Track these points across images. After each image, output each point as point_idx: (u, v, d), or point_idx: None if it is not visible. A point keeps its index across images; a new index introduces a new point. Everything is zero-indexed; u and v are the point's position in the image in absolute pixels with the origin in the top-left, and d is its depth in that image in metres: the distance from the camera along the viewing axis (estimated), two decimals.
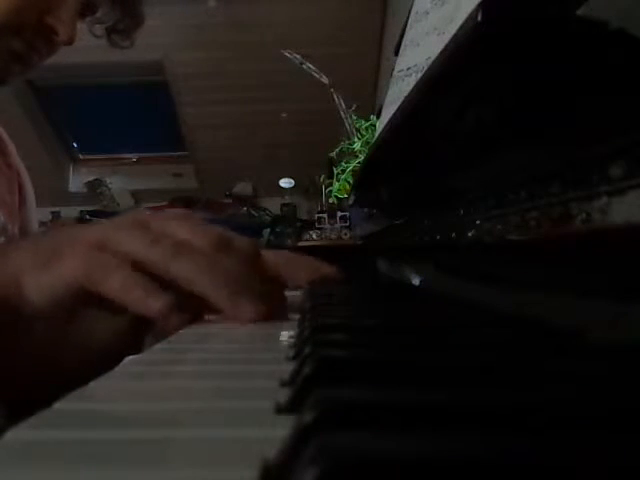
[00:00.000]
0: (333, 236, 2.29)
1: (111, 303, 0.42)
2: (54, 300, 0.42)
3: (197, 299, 0.41)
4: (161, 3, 2.58)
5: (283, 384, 0.21)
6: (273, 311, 0.42)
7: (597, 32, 0.24)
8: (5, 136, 0.83)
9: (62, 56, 0.70)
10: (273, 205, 3.60)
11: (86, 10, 0.68)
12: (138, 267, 0.41)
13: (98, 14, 0.70)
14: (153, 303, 0.40)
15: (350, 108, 2.20)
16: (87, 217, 3.48)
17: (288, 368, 0.23)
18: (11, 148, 0.82)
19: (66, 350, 0.47)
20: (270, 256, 0.56)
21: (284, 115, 3.18)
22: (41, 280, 0.42)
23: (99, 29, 0.73)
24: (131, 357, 0.28)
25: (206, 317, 0.45)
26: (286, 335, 0.34)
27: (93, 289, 0.40)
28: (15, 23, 0.63)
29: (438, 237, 0.52)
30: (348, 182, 2.09)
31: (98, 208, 3.65)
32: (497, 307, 0.38)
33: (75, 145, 3.83)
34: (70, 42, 0.66)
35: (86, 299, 0.42)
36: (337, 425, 0.14)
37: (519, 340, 0.28)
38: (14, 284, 0.42)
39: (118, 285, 0.40)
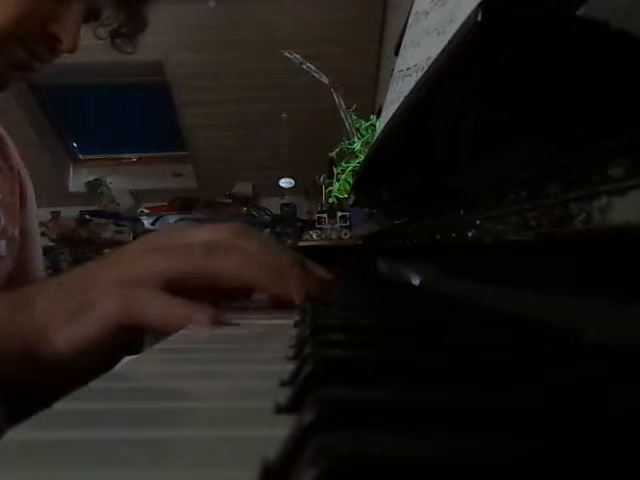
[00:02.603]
0: (333, 236, 2.29)
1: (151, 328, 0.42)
2: (87, 347, 0.43)
3: (229, 292, 0.43)
4: (161, 3, 2.58)
5: (283, 384, 0.21)
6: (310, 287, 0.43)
7: (597, 32, 0.24)
8: (6, 137, 0.82)
9: (62, 56, 0.69)
10: (273, 205, 3.60)
11: (90, 16, 0.68)
12: (173, 285, 0.42)
13: (102, 17, 0.70)
14: (202, 319, 0.40)
15: (350, 108, 2.20)
16: (87, 217, 3.48)
17: (288, 368, 0.23)
18: (12, 149, 0.82)
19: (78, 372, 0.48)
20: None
21: (284, 115, 3.18)
22: (74, 332, 0.43)
23: (102, 32, 0.73)
24: (131, 357, 0.28)
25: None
26: (286, 335, 0.34)
27: (135, 323, 0.41)
28: (18, 31, 0.63)
29: (438, 237, 0.52)
30: (348, 182, 2.09)
31: (98, 208, 3.64)
32: (497, 307, 0.38)
33: (75, 145, 3.83)
34: (73, 50, 0.66)
35: (121, 334, 0.43)
36: (337, 425, 0.14)
37: (519, 340, 0.28)
38: (42, 337, 0.43)
39: (159, 313, 0.41)
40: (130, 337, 0.45)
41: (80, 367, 0.43)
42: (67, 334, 0.43)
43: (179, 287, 0.42)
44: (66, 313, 0.43)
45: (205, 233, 0.44)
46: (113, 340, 0.43)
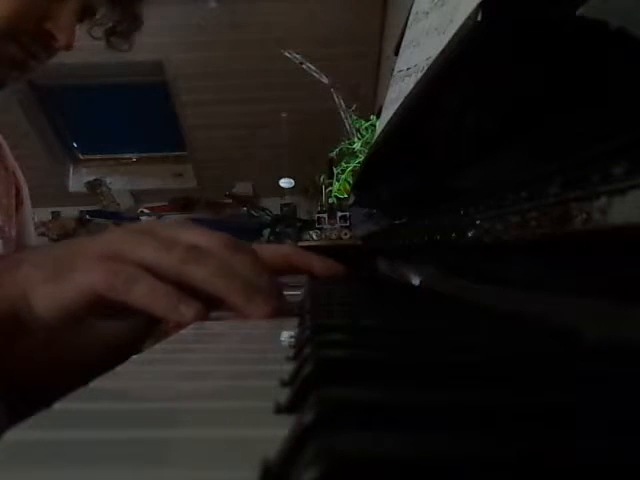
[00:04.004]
0: (333, 236, 2.29)
1: (123, 310, 0.42)
2: (62, 312, 0.43)
3: (207, 300, 0.42)
4: (161, 3, 2.58)
5: (283, 384, 0.21)
6: (281, 307, 0.43)
7: (597, 32, 0.24)
8: (1, 140, 0.82)
9: (62, 56, 0.69)
10: (273, 205, 3.60)
11: (85, 14, 0.68)
12: (153, 274, 0.42)
13: (97, 16, 0.70)
14: (186, 311, 0.41)
15: (350, 108, 2.20)
16: (87, 217, 3.48)
17: (288, 368, 0.23)
18: (7, 150, 0.82)
19: (66, 353, 0.47)
20: (271, 251, 0.57)
21: (284, 115, 3.18)
22: (51, 293, 0.43)
23: (98, 31, 0.73)
24: (131, 357, 0.28)
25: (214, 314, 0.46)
26: (286, 335, 0.34)
27: (116, 298, 0.41)
28: (14, 29, 0.63)
29: (438, 237, 0.52)
30: (348, 182, 2.09)
31: (98, 208, 3.65)
32: (497, 307, 0.38)
33: (75, 145, 3.83)
34: (69, 48, 0.66)
35: (98, 308, 0.43)
36: (337, 425, 0.14)
37: (519, 340, 0.28)
38: (22, 297, 0.43)
39: (146, 294, 0.41)
40: (108, 316, 0.45)
41: (53, 334, 0.43)
42: (44, 294, 0.43)
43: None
44: (47, 275, 0.43)
45: (192, 236, 0.44)
46: (89, 312, 0.43)
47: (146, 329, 0.55)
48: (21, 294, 0.43)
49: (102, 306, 0.42)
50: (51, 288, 0.43)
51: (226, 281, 0.41)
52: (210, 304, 0.43)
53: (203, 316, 0.41)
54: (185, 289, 0.42)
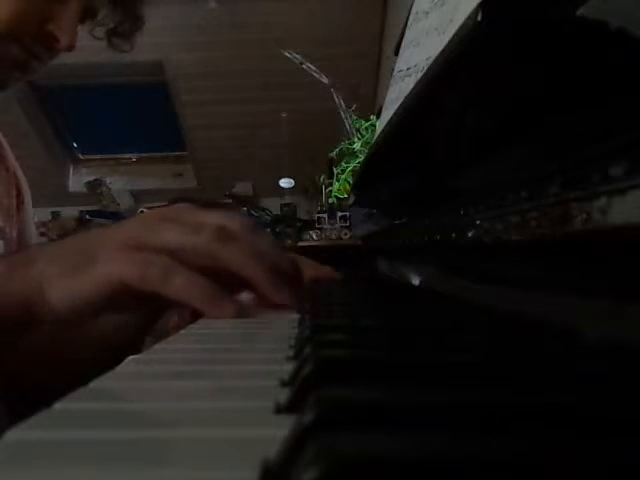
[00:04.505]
0: (333, 236, 2.29)
1: (141, 302, 0.41)
2: (80, 304, 0.42)
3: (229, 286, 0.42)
4: (161, 3, 2.58)
5: (283, 384, 0.21)
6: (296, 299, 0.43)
7: (597, 32, 0.24)
8: (2, 140, 0.82)
9: (62, 56, 0.69)
10: (273, 205, 3.60)
11: (86, 15, 0.68)
12: (180, 258, 0.41)
13: (98, 17, 0.70)
14: (228, 306, 0.40)
15: (350, 108, 2.20)
16: (87, 217, 3.48)
17: (288, 368, 0.23)
18: (8, 151, 0.82)
19: (70, 348, 0.47)
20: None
21: (284, 115, 3.18)
22: (69, 286, 0.42)
23: (99, 32, 0.73)
24: (131, 357, 0.28)
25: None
26: (286, 335, 0.34)
27: (147, 289, 0.40)
28: (16, 30, 0.63)
29: (438, 237, 0.52)
30: (348, 182, 2.09)
31: (98, 208, 3.65)
32: (497, 307, 0.38)
33: (75, 145, 3.83)
34: (70, 49, 0.66)
35: (120, 300, 0.42)
36: (337, 425, 0.14)
37: (519, 340, 0.28)
38: (37, 291, 0.42)
39: (185, 286, 0.40)
40: (132, 309, 0.44)
41: (75, 329, 0.42)
42: (61, 287, 0.42)
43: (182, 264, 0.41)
44: (64, 268, 0.42)
45: (217, 218, 0.43)
46: (109, 304, 0.42)
47: (145, 327, 0.55)
48: (36, 288, 0.42)
49: (126, 297, 0.41)
50: (69, 280, 0.42)
51: (255, 262, 0.41)
52: (233, 289, 0.43)
53: (243, 313, 0.41)
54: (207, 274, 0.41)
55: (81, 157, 3.89)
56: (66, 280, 0.42)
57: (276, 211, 3.56)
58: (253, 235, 0.43)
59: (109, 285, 0.41)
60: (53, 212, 3.73)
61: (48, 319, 0.42)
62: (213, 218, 0.43)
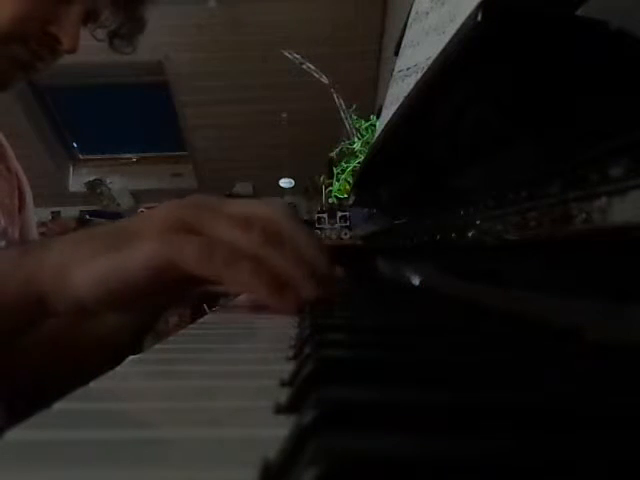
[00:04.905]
0: (333, 236, 2.29)
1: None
2: (112, 288, 0.38)
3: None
4: (161, 3, 2.58)
5: (283, 384, 0.21)
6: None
7: (597, 32, 0.24)
8: (4, 140, 0.83)
9: (63, 56, 0.70)
10: None
11: (89, 18, 0.68)
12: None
13: (100, 19, 0.70)
14: (290, 301, 0.39)
15: (350, 108, 2.20)
16: (87, 217, 3.48)
17: (288, 368, 0.23)
18: (10, 152, 0.82)
19: (69, 348, 0.47)
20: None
21: (284, 115, 3.18)
22: (104, 266, 0.38)
23: (101, 33, 0.73)
24: (131, 357, 0.28)
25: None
26: (287, 335, 0.34)
27: (203, 273, 0.38)
28: (20, 32, 0.63)
29: (438, 237, 0.52)
30: (348, 182, 2.09)
31: (98, 208, 3.65)
32: (497, 307, 0.38)
33: (75, 145, 3.84)
34: (73, 51, 0.66)
35: (164, 283, 0.39)
36: (337, 425, 0.14)
37: (519, 340, 0.28)
38: (53, 278, 0.39)
39: (249, 275, 0.38)
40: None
41: (77, 324, 0.40)
42: (94, 270, 0.38)
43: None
44: (96, 249, 0.39)
45: (264, 210, 0.42)
46: (150, 289, 0.39)
47: (145, 327, 0.55)
48: (51, 275, 0.39)
49: (167, 282, 0.39)
50: (103, 262, 0.38)
51: (301, 271, 0.40)
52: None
53: (299, 308, 0.40)
54: None
55: (81, 157, 3.89)
56: (101, 259, 0.38)
57: None
58: (298, 235, 0.41)
59: (158, 264, 0.38)
60: (53, 212, 3.73)
61: (62, 310, 0.40)
62: (260, 210, 0.41)
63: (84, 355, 0.51)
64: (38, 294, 0.39)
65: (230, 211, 0.41)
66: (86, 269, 0.39)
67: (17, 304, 0.40)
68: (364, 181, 0.87)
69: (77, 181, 3.84)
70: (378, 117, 0.92)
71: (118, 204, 3.69)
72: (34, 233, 0.86)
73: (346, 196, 2.12)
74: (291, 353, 0.27)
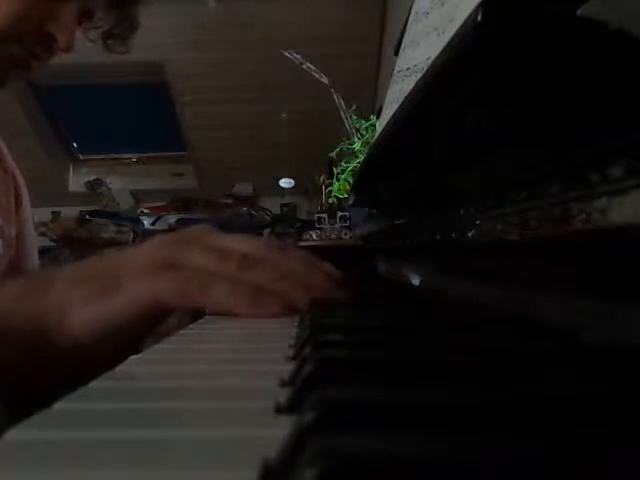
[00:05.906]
0: (333, 236, 2.28)
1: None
2: (109, 327, 0.42)
3: None
4: (161, 3, 2.58)
5: (283, 384, 0.21)
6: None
7: (597, 32, 0.24)
8: (0, 140, 0.82)
9: (62, 56, 0.70)
10: (273, 205, 3.60)
11: (83, 17, 0.68)
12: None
13: (94, 19, 0.70)
14: (271, 304, 0.41)
15: (350, 108, 2.20)
16: (87, 217, 3.48)
17: (288, 368, 0.23)
18: (6, 152, 0.82)
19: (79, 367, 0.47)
20: None
21: (284, 115, 3.18)
22: (95, 311, 0.42)
23: (94, 34, 0.73)
24: (131, 357, 0.28)
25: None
26: (287, 335, 0.34)
27: (187, 304, 0.41)
28: (16, 30, 0.63)
29: (438, 237, 0.52)
30: (348, 182, 2.09)
31: (98, 208, 3.65)
32: (497, 307, 0.38)
33: (75, 145, 3.83)
34: (69, 49, 0.66)
35: (154, 318, 0.43)
36: (337, 425, 0.14)
37: (519, 340, 0.28)
38: (55, 314, 0.42)
39: (227, 295, 0.41)
40: (153, 326, 0.45)
41: (91, 356, 0.42)
42: (87, 314, 0.42)
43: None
44: (88, 293, 0.42)
45: (242, 244, 0.44)
46: (137, 325, 0.42)
47: (145, 329, 0.54)
48: (54, 311, 0.42)
49: (160, 315, 0.42)
50: (96, 304, 0.42)
51: (284, 283, 0.42)
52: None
53: (286, 310, 0.41)
54: None
55: (81, 157, 3.89)
56: (93, 304, 0.42)
57: (276, 211, 3.56)
58: (279, 255, 0.43)
59: (144, 305, 0.41)
60: (53, 212, 3.72)
61: (64, 344, 0.42)
62: (238, 244, 0.44)
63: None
64: (42, 327, 0.42)
65: (209, 242, 0.44)
66: (81, 312, 0.42)
67: (23, 340, 0.43)
68: (364, 181, 0.87)
69: (77, 181, 3.84)
70: (378, 117, 0.92)
71: (118, 204, 3.68)
72: (32, 233, 0.86)
73: (346, 196, 2.12)
74: (291, 353, 0.27)
